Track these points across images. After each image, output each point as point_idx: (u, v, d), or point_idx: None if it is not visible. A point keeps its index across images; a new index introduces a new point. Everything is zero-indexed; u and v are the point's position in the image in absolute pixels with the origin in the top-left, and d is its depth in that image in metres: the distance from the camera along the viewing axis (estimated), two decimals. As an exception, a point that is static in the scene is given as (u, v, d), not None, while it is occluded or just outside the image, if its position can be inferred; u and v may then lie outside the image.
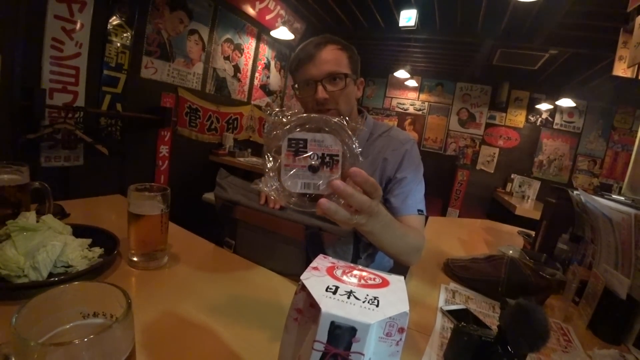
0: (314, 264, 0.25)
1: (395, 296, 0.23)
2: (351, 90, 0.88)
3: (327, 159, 0.42)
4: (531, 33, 2.92)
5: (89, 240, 0.69)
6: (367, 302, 0.21)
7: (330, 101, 0.84)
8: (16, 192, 0.75)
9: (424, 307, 0.72)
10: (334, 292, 0.21)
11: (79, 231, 0.71)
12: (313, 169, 0.42)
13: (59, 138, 1.86)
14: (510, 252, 1.23)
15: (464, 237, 1.39)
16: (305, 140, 0.43)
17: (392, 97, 5.16)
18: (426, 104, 4.96)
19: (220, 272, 0.73)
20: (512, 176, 4.35)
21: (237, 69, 3.09)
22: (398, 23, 2.96)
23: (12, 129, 1.71)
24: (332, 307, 0.20)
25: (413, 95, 5.02)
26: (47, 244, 0.61)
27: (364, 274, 0.24)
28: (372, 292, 0.22)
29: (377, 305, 0.21)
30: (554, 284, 0.87)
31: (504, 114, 4.55)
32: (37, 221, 0.68)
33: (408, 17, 2.90)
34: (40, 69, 1.80)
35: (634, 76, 1.44)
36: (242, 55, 3.12)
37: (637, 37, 1.31)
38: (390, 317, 0.21)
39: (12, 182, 0.74)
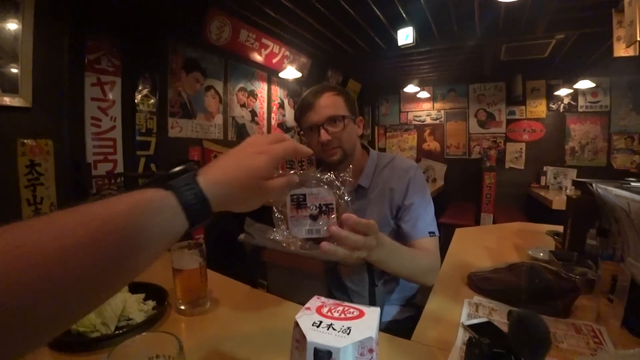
0: (307, 304, 0.33)
1: (365, 325, 0.29)
2: (351, 129, 0.98)
3: (324, 207, 0.50)
4: (531, 23, 2.90)
5: (143, 295, 0.81)
6: (341, 331, 0.28)
7: (333, 141, 0.94)
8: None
9: (446, 323, 0.75)
10: (318, 326, 0.29)
11: (133, 287, 0.82)
12: (313, 217, 0.51)
13: (106, 203, 2.08)
14: (541, 254, 1.21)
15: (491, 245, 1.38)
16: (304, 195, 0.51)
17: (407, 112, 5.21)
18: (442, 111, 4.96)
19: (256, 310, 0.81)
20: (544, 169, 4.18)
21: (253, 113, 3.31)
22: (397, 42, 3.07)
23: (67, 200, 1.95)
24: (314, 337, 0.27)
25: (427, 105, 5.05)
26: (111, 302, 0.73)
27: (346, 309, 0.32)
28: (347, 323, 0.29)
29: (349, 333, 0.28)
30: (580, 285, 0.86)
31: (523, 107, 4.44)
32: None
33: (406, 35, 3.00)
34: (85, 145, 2.05)
35: (637, 53, 1.43)
36: (256, 99, 3.34)
37: (629, 16, 1.31)
38: (359, 341, 0.28)
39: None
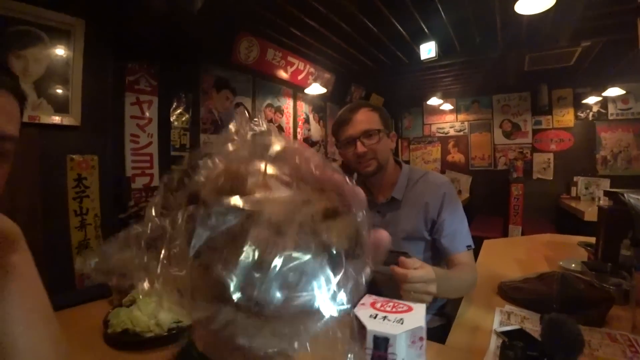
0: (362, 301, 0.38)
1: (415, 317, 0.34)
2: (385, 143, 1.05)
3: None
4: (555, 33, 2.87)
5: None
6: (395, 321, 0.33)
7: (368, 153, 1.01)
8: (133, 268, 0.97)
9: (479, 330, 0.77)
10: (375, 317, 0.34)
11: (181, 293, 0.89)
12: None
13: (143, 215, 2.20)
14: (572, 265, 1.21)
15: (521, 256, 1.38)
16: None
17: (430, 124, 5.20)
18: (466, 123, 4.91)
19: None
20: (575, 179, 4.05)
21: (280, 128, 3.43)
22: (420, 56, 3.12)
23: (109, 213, 2.09)
24: (373, 326, 0.33)
25: (451, 117, 5.02)
26: (164, 305, 0.80)
27: (396, 304, 0.37)
28: (399, 316, 0.34)
29: (402, 323, 0.33)
30: (615, 295, 0.86)
31: (549, 117, 4.34)
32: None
33: (428, 50, 3.05)
34: (124, 160, 2.21)
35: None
36: (282, 115, 3.47)
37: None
38: (411, 329, 0.32)
39: (129, 259, 0.97)
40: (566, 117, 4.26)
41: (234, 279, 0.18)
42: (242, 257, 0.18)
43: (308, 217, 0.19)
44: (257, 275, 0.18)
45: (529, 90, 4.42)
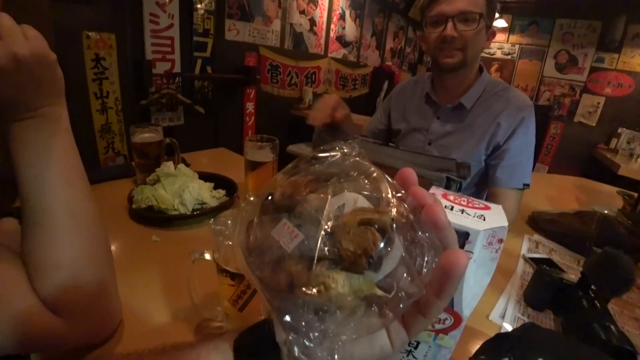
0: (431, 191, 0.32)
1: (496, 216, 0.29)
2: (481, 36, 0.84)
3: None
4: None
5: (212, 184, 0.87)
6: (475, 217, 0.28)
7: (457, 41, 0.82)
8: (156, 147, 0.94)
9: (507, 253, 0.75)
10: (451, 209, 0.29)
11: (202, 177, 0.88)
12: None
13: (164, 102, 2.16)
14: (606, 212, 1.15)
15: (552, 193, 1.32)
16: None
17: (476, 42, 4.62)
18: (517, 46, 4.34)
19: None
20: (618, 130, 3.72)
21: (312, 22, 3.09)
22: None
23: (129, 97, 2.04)
24: (450, 218, 0.27)
25: (501, 37, 4.40)
26: (188, 185, 0.79)
27: (470, 201, 0.31)
28: (479, 212, 0.29)
29: (484, 220, 0.28)
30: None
31: (615, 56, 3.79)
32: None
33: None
34: (144, 42, 2.06)
35: None
36: (316, 7, 3.09)
37: None
38: (493, 229, 0.27)
39: (152, 139, 0.93)
40: (635, 60, 3.72)
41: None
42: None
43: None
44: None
45: (601, 20, 3.78)
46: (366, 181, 0.22)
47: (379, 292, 0.19)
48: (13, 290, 0.35)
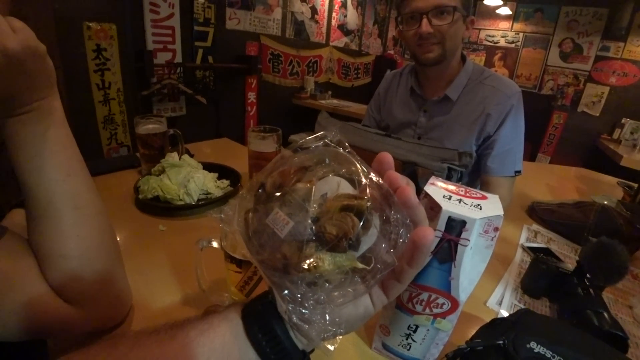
0: (431, 181, 0.34)
1: (492, 205, 0.30)
2: (459, 27, 0.84)
3: None
4: None
5: (216, 174, 0.88)
6: (472, 206, 0.29)
7: (434, 36, 0.82)
8: (160, 138, 0.95)
9: (506, 242, 0.77)
10: (449, 199, 0.30)
11: (206, 167, 0.89)
12: None
13: (166, 92, 2.16)
14: (605, 202, 1.16)
15: (553, 183, 1.33)
16: None
17: (480, 29, 4.50)
18: (520, 34, 4.27)
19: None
20: (622, 121, 3.69)
21: (314, 10, 3.06)
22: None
23: (131, 88, 2.04)
24: (448, 207, 0.28)
25: (505, 25, 4.34)
26: (193, 176, 0.80)
27: (468, 191, 0.32)
28: (476, 201, 0.30)
29: (481, 209, 0.29)
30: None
31: (621, 44, 3.73)
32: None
33: None
34: (144, 32, 2.04)
35: None
36: (318, -5, 3.06)
37: None
38: (489, 217, 0.29)
39: (156, 130, 0.94)
40: (641, 48, 3.66)
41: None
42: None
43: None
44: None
45: (608, 7, 3.71)
46: (344, 167, 0.25)
47: (360, 265, 0.22)
48: (25, 278, 0.36)
